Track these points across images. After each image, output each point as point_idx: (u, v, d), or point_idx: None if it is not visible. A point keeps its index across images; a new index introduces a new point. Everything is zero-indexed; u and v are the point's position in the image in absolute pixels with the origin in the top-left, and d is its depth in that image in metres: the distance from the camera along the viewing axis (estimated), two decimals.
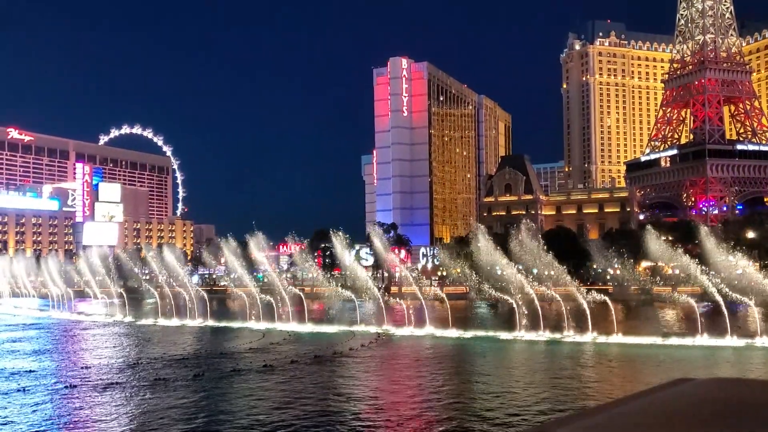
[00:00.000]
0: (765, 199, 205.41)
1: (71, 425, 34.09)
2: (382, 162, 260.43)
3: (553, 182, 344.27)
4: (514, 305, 72.21)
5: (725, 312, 63.79)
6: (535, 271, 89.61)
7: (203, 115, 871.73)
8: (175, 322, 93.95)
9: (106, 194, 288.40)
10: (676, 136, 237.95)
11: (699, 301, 70.84)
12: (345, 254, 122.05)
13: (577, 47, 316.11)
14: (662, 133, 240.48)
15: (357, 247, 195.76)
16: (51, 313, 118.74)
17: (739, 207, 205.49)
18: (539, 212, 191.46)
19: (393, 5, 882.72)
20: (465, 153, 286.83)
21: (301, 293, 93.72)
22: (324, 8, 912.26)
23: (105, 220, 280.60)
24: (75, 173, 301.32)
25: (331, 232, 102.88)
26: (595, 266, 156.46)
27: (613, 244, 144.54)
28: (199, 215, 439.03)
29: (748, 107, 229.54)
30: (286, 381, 45.51)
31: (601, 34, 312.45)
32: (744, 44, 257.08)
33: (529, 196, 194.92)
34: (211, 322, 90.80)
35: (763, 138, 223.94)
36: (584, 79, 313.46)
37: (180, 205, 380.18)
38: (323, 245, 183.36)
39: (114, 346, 70.00)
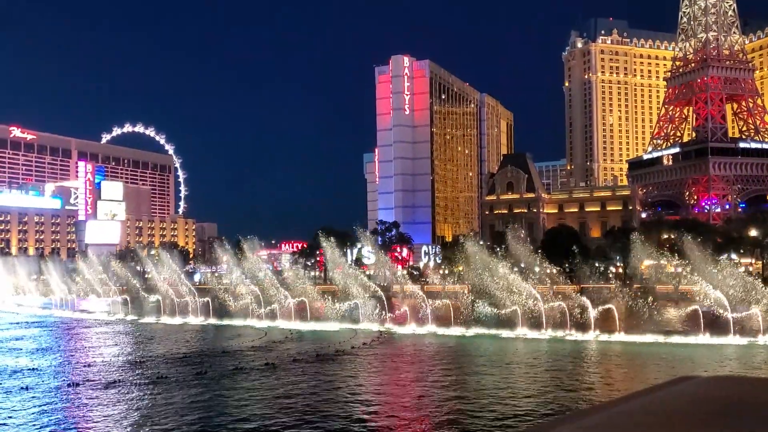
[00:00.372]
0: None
1: (73, 423, 34.17)
2: (383, 160, 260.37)
3: (555, 180, 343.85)
4: (516, 304, 72.23)
5: (728, 311, 63.72)
6: (536, 269, 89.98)
7: (205, 113, 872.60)
8: (177, 320, 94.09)
9: (109, 193, 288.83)
10: (678, 134, 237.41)
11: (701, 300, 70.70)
12: (346, 253, 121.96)
13: (580, 45, 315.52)
14: (664, 131, 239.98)
15: (359, 245, 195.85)
16: (53, 312, 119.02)
17: (741, 205, 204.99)
18: (541, 210, 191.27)
19: (394, 4, 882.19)
20: (467, 151, 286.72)
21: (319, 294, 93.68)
22: (325, 7, 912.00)
23: (107, 219, 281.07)
24: (77, 172, 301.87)
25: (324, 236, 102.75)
26: (597, 264, 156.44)
27: (615, 242, 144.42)
28: (201, 213, 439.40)
29: (751, 105, 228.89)
30: (288, 379, 45.54)
31: (603, 31, 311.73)
32: (747, 42, 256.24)
33: (531, 195, 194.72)
34: (213, 320, 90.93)
35: (765, 136, 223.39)
36: (586, 76, 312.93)
37: (182, 203, 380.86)
38: (325, 243, 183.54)
39: (116, 344, 70.15)
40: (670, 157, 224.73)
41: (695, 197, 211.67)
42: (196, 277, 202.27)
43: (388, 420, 33.48)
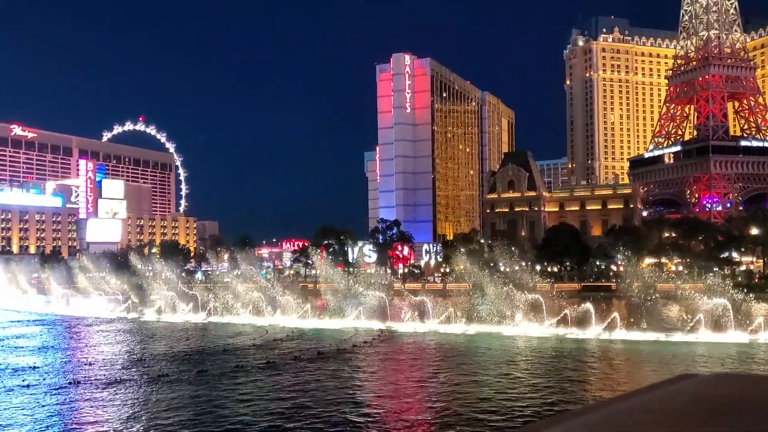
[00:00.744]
0: None
1: (75, 421, 34.23)
2: (384, 158, 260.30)
3: (556, 179, 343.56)
4: (519, 302, 72.25)
5: (729, 309, 63.69)
6: (538, 267, 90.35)
7: (206, 112, 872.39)
8: (178, 318, 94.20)
9: (110, 191, 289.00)
10: (679, 132, 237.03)
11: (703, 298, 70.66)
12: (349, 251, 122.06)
13: (581, 43, 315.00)
14: (666, 129, 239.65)
15: (360, 243, 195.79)
16: (55, 310, 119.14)
17: (743, 204, 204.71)
18: (542, 209, 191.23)
19: (395, 3, 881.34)
20: (468, 149, 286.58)
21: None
22: (326, 5, 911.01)
23: (108, 217, 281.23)
24: (78, 170, 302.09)
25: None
26: (598, 263, 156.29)
27: (616, 240, 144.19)
28: (202, 212, 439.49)
29: (753, 103, 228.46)
30: (289, 377, 45.59)
31: (604, 30, 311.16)
32: (748, 40, 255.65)
33: (532, 193, 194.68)
34: (214, 318, 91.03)
35: (767, 134, 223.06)
36: (588, 75, 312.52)
37: (183, 201, 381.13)
38: (326, 242, 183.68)
39: (118, 343, 70.25)
40: (672, 155, 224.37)
41: (696, 195, 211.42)
42: (198, 276, 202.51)
43: (390, 419, 33.52)
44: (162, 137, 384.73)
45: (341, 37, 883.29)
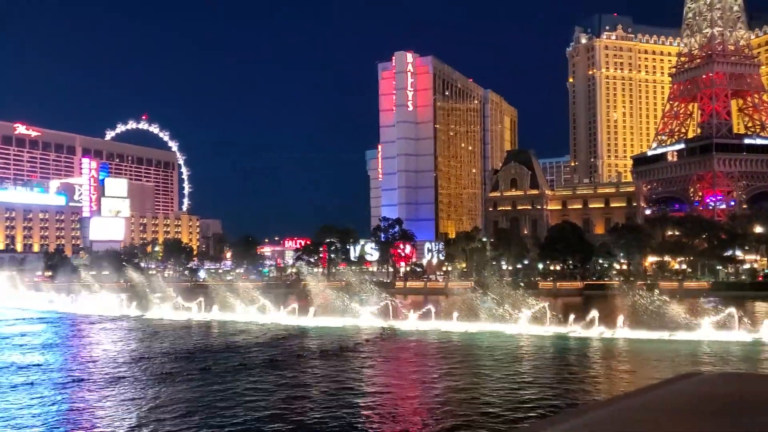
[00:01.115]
0: None
1: (78, 419, 34.36)
2: (387, 157, 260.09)
3: (558, 177, 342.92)
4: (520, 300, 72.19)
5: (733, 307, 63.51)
6: (540, 266, 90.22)
7: (208, 110, 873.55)
8: (182, 316, 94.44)
9: (113, 189, 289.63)
10: (683, 130, 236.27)
11: (706, 296, 70.51)
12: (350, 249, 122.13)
13: (584, 41, 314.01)
14: (669, 127, 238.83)
15: (362, 242, 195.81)
16: (58, 308, 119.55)
17: (747, 202, 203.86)
18: (545, 207, 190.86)
19: (396, 3, 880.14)
20: (470, 148, 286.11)
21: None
22: (327, 5, 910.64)
23: (111, 216, 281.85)
24: (81, 168, 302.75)
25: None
26: (600, 261, 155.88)
27: (619, 239, 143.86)
28: (205, 210, 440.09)
29: (757, 101, 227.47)
30: (292, 375, 45.68)
31: (607, 27, 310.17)
32: (753, 37, 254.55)
33: (535, 191, 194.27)
34: (217, 317, 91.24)
35: None
36: (591, 73, 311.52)
37: (186, 200, 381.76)
38: (328, 240, 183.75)
39: (121, 340, 70.46)
40: (675, 153, 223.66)
41: (700, 194, 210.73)
42: (201, 274, 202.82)
43: (392, 417, 33.56)
44: (165, 136, 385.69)
45: (343, 35, 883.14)
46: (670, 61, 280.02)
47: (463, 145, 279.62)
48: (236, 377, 44.22)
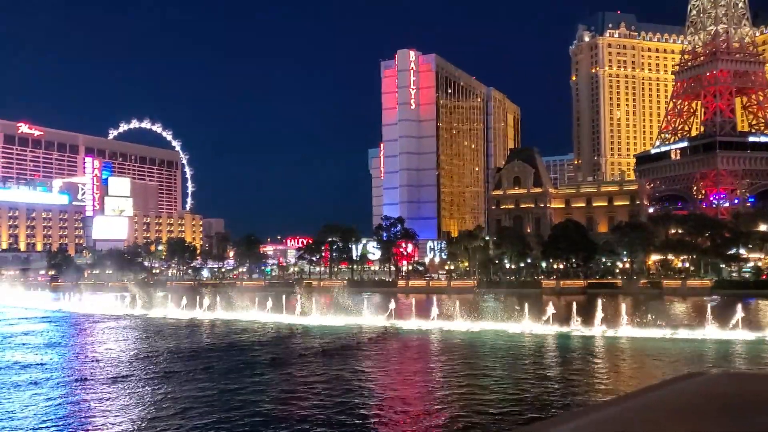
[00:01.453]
0: None
1: (82, 418, 34.43)
2: (389, 155, 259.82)
3: (562, 175, 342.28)
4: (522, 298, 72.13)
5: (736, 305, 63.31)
6: (543, 264, 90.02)
7: (212, 110, 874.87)
8: (185, 315, 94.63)
9: (116, 189, 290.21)
10: (686, 128, 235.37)
11: (709, 294, 70.28)
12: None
13: (587, 39, 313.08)
14: (673, 125, 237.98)
15: (364, 240, 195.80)
16: (62, 306, 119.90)
17: (750, 200, 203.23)
18: (548, 205, 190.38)
19: (396, 3, 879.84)
20: (473, 146, 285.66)
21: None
22: (328, 4, 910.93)
23: (115, 215, 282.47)
24: (85, 168, 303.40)
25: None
26: (604, 259, 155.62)
27: (622, 237, 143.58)
28: (208, 209, 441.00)
29: (761, 98, 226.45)
30: (295, 374, 45.73)
31: (611, 25, 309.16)
32: (757, 34, 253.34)
33: (538, 189, 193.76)
34: (221, 315, 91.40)
35: None
36: (594, 71, 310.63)
37: (189, 199, 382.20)
38: (330, 239, 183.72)
39: (124, 339, 70.63)
40: (678, 151, 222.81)
41: (703, 192, 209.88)
42: (204, 273, 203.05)
43: (394, 416, 33.55)
44: (168, 135, 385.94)
45: (345, 35, 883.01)
46: (673, 58, 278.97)
47: (465, 143, 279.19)
48: (240, 376, 44.30)
